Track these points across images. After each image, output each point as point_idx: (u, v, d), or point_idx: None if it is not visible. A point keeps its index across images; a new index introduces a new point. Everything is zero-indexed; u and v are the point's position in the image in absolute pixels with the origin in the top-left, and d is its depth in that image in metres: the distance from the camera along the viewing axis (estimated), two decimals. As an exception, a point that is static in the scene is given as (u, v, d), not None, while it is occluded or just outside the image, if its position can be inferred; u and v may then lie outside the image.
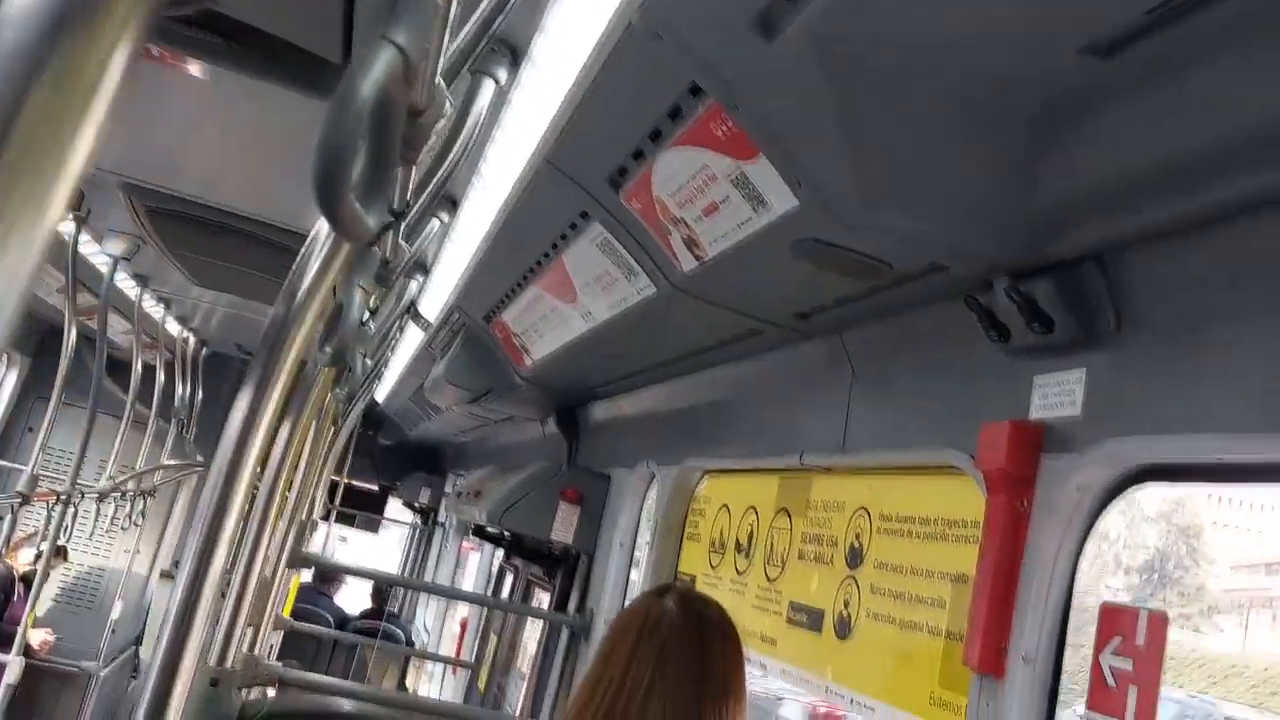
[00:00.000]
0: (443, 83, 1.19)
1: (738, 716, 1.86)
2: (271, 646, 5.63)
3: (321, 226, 1.38)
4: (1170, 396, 1.58)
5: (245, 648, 3.18)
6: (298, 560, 3.68)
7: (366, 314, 2.76)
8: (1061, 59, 1.33)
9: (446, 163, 2.03)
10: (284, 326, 1.33)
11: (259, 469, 2.12)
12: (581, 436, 5.02)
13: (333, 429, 3.93)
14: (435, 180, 2.07)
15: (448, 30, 1.08)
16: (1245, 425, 1.42)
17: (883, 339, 2.40)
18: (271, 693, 3.29)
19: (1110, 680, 1.65)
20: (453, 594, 7.20)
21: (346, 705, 3.28)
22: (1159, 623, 1.61)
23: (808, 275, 2.09)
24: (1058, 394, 1.81)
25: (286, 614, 5.87)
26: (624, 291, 2.70)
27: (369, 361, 3.97)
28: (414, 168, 1.52)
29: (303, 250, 1.33)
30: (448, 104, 1.21)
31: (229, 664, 2.65)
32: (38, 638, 6.98)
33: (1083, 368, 1.76)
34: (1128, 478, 1.70)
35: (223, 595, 2.48)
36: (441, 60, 1.34)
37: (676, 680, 1.84)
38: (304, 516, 3.60)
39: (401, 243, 2.04)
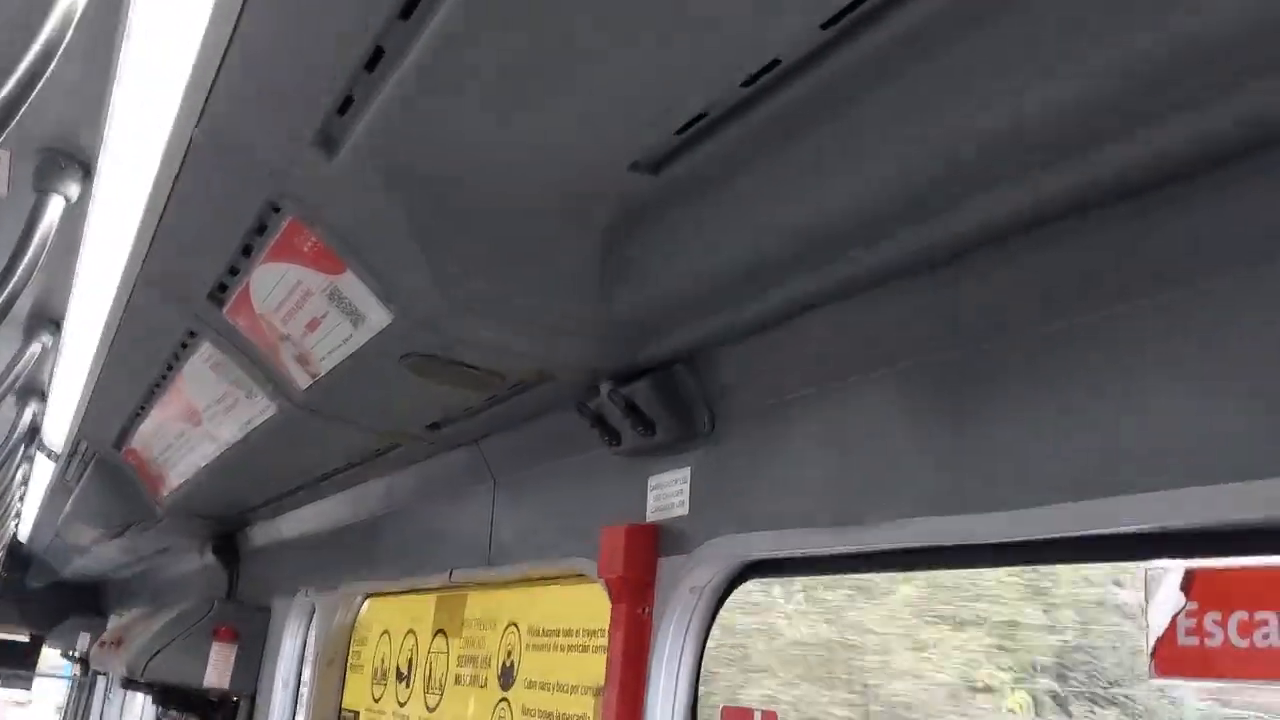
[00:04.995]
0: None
1: None
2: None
3: None
4: (760, 492, 1.62)
5: None
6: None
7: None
8: (617, 176, 1.35)
9: (10, 285, 1.83)
10: None
11: None
12: (243, 564, 4.65)
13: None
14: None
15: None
16: (817, 520, 1.47)
17: (518, 446, 2.36)
18: None
19: (732, 784, 1.64)
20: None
21: None
22: (771, 720, 1.62)
23: (427, 387, 2.02)
24: (669, 494, 1.82)
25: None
26: (247, 412, 2.51)
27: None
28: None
29: None
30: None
31: None
32: None
33: (687, 467, 1.78)
34: (734, 575, 1.72)
35: None
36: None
37: None
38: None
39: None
